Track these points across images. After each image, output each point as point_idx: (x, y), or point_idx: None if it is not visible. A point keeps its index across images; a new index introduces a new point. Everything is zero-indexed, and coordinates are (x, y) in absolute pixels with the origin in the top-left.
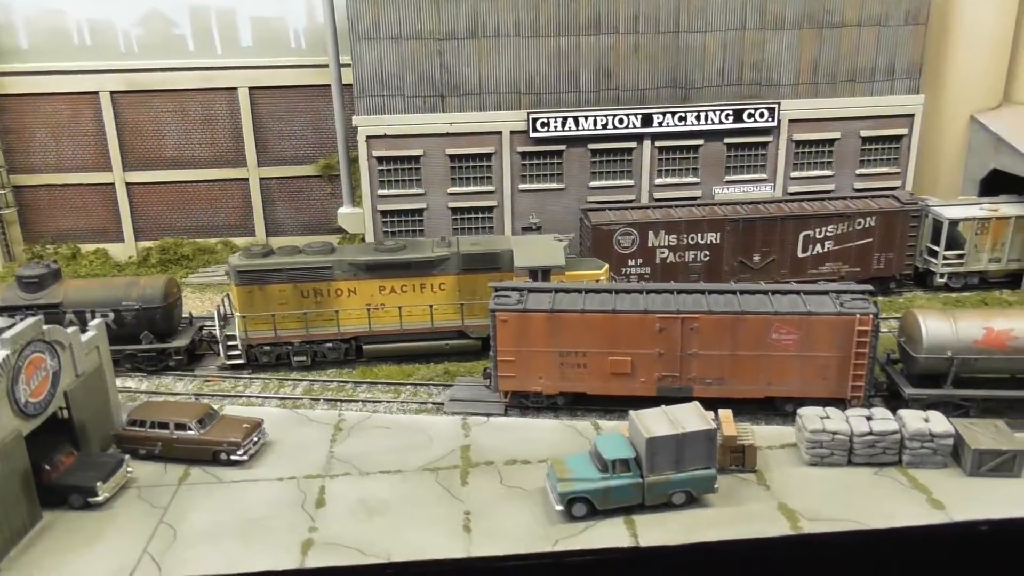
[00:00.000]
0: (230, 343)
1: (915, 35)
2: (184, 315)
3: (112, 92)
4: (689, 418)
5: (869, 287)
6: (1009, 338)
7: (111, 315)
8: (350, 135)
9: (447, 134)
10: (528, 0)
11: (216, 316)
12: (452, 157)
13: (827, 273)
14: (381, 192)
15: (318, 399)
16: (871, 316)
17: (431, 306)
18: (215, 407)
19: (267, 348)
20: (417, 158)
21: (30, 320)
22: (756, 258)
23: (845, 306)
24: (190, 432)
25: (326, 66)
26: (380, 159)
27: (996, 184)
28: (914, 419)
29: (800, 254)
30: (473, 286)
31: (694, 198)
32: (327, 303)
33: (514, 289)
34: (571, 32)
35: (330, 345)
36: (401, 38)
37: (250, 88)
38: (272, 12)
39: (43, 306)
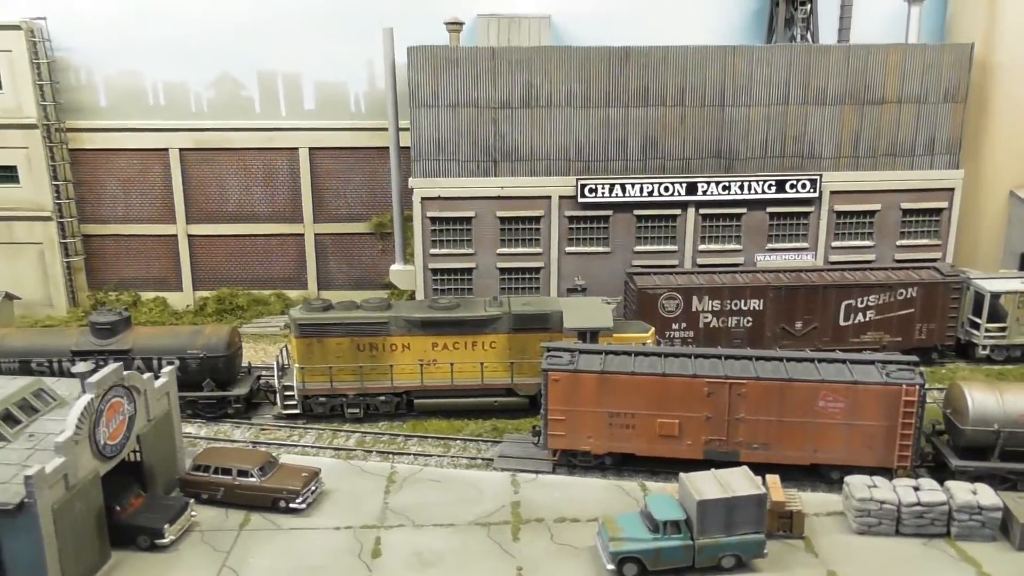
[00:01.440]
0: (287, 393)
1: (954, 112)
2: (243, 364)
3: (181, 149)
4: (739, 482)
5: (915, 358)
6: None
7: (176, 362)
8: (405, 195)
9: (498, 197)
10: (580, 73)
11: (275, 366)
12: (502, 219)
13: (869, 342)
14: (433, 251)
15: (371, 451)
16: (917, 387)
17: (482, 363)
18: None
19: (322, 399)
20: (469, 219)
21: (112, 366)
22: (798, 325)
23: (891, 376)
24: (252, 479)
25: (383, 129)
26: (433, 219)
27: None
28: (962, 491)
29: (842, 322)
30: (523, 345)
31: (736, 265)
32: (382, 357)
33: (565, 350)
34: (620, 104)
35: (383, 398)
36: (458, 106)
37: (310, 148)
38: (335, 78)
39: (114, 351)
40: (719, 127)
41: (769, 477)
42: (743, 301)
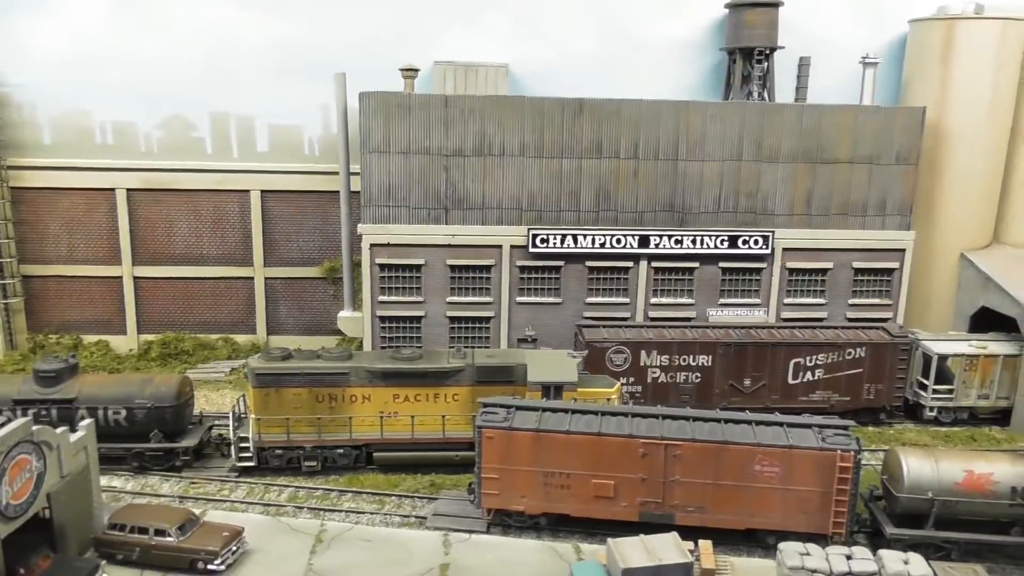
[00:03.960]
0: (242, 445)
1: (906, 175)
2: (195, 414)
3: (128, 190)
4: (667, 549)
5: (850, 422)
6: (989, 482)
7: (123, 412)
8: (355, 241)
9: (449, 245)
10: (533, 123)
11: (231, 416)
12: (452, 268)
13: (817, 401)
14: (381, 298)
15: (302, 507)
16: (852, 453)
17: (444, 416)
18: (197, 512)
19: (279, 451)
20: (418, 267)
21: (19, 421)
22: (747, 382)
23: (827, 441)
24: (169, 539)
25: (337, 173)
26: (382, 266)
27: (985, 320)
28: (893, 561)
29: (791, 381)
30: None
31: (688, 319)
32: (341, 409)
33: (501, 406)
34: (573, 155)
35: (342, 451)
36: (410, 153)
37: (262, 191)
38: (289, 121)
39: (57, 401)
40: (672, 181)
41: (701, 543)
42: (692, 357)
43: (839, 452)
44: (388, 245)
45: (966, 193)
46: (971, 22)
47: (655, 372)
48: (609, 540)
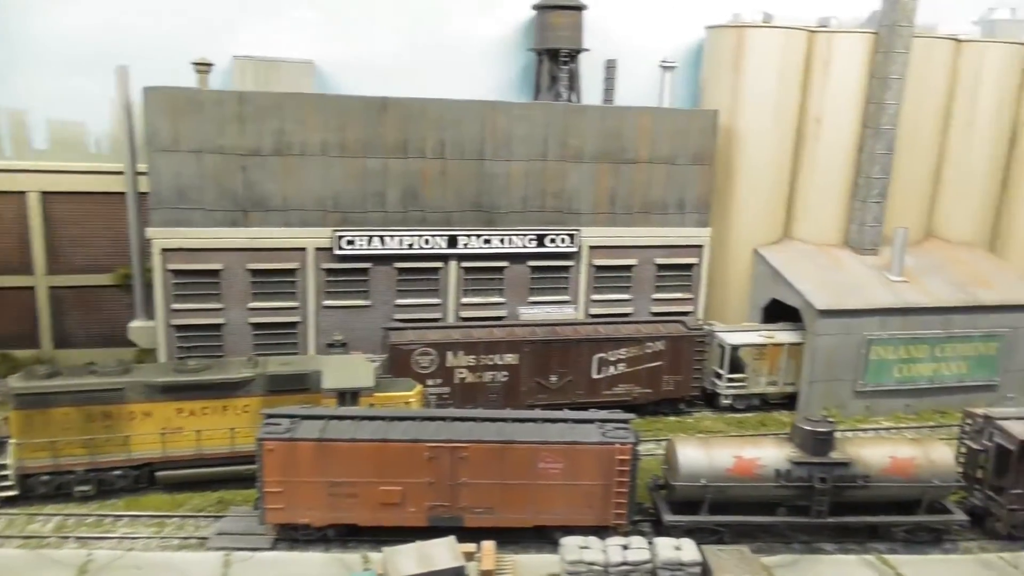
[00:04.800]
0: (1, 473)
1: (702, 174)
2: None
3: None
4: (441, 554)
5: (630, 415)
6: (756, 466)
7: None
8: (145, 246)
9: (249, 249)
10: (336, 122)
11: None
12: (253, 272)
13: (620, 394)
14: (175, 306)
15: (68, 537)
16: (630, 445)
17: (233, 429)
18: None
19: (45, 478)
20: (216, 272)
21: None
22: (553, 379)
23: (607, 435)
24: None
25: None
26: (176, 272)
27: (776, 312)
28: (665, 547)
29: (595, 375)
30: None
31: (500, 318)
32: (118, 427)
33: (286, 416)
34: (378, 154)
35: (119, 472)
36: (202, 152)
37: (42, 192)
38: (71, 115)
39: None
40: (480, 181)
41: (484, 544)
42: (498, 356)
43: (617, 445)
44: (181, 250)
45: (757, 192)
46: (759, 31)
47: (462, 372)
48: (384, 549)
